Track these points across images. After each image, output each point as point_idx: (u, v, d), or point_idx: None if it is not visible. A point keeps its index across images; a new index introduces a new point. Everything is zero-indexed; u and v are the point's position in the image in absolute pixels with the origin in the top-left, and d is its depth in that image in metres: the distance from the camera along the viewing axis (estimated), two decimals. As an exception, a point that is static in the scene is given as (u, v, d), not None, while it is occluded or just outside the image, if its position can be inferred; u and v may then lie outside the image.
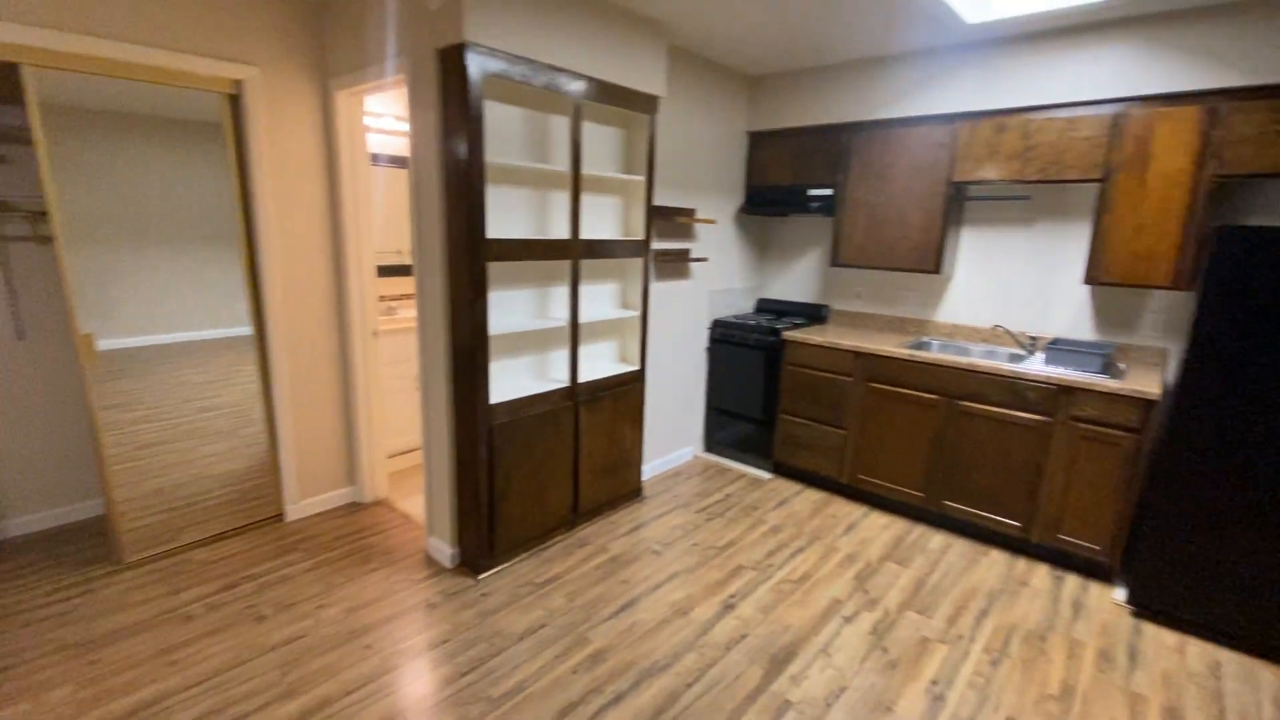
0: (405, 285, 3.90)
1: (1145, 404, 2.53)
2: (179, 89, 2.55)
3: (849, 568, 2.81)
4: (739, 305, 4.21)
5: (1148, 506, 2.45)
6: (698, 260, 3.67)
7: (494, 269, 2.60)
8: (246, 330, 2.94)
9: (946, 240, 3.26)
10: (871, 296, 3.87)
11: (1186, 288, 2.61)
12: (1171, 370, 2.90)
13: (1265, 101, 2.39)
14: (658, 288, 3.49)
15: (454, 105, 2.25)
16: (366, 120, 3.16)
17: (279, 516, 3.10)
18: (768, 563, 2.83)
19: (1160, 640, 2.38)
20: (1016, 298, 3.33)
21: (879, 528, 3.20)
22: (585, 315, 2.94)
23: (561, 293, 2.91)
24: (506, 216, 2.62)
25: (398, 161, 3.70)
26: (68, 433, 2.93)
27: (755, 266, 4.29)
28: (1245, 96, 2.43)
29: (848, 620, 2.44)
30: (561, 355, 2.97)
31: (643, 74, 2.84)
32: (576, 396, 2.88)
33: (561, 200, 2.81)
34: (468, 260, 2.35)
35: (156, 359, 2.95)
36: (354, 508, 3.24)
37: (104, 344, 2.69)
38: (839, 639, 2.32)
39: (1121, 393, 2.57)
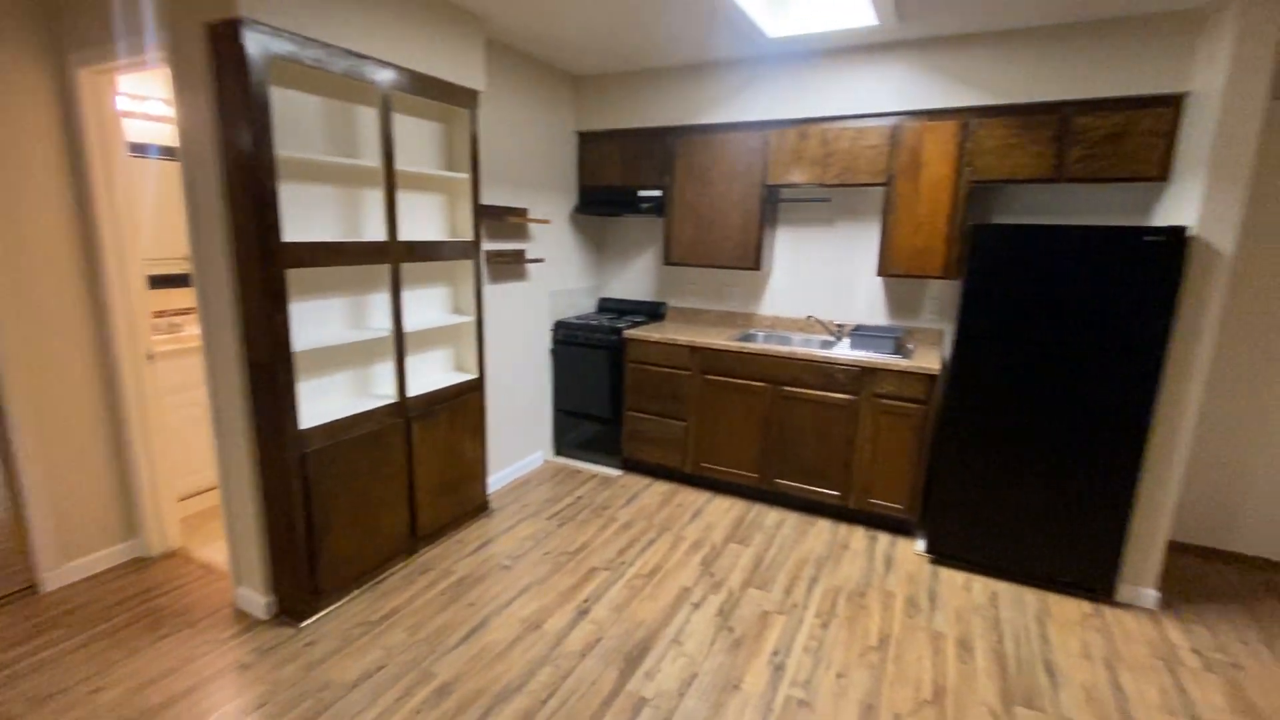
0: (191, 297, 3.36)
1: (929, 378, 2.92)
2: None
3: (695, 554, 2.92)
4: (581, 305, 4.19)
5: (935, 467, 2.83)
6: (534, 261, 3.59)
7: (296, 276, 2.32)
8: (-38, 362, 2.34)
9: (764, 239, 3.51)
10: (703, 293, 4.05)
11: (955, 277, 3.04)
12: (948, 348, 3.37)
13: (1002, 119, 2.86)
14: (493, 290, 3.35)
15: (232, 90, 1.96)
16: (126, 104, 2.66)
17: (32, 588, 2.52)
18: (620, 560, 2.85)
19: (953, 581, 2.77)
20: (825, 290, 3.68)
21: (722, 511, 3.37)
22: (412, 323, 2.74)
23: (382, 300, 2.67)
24: (309, 217, 2.35)
25: (161, 151, 3.16)
26: None
27: (595, 266, 4.31)
28: (988, 114, 2.88)
29: (696, 606, 2.53)
30: (387, 368, 2.73)
31: (459, 66, 2.70)
32: (407, 412, 2.68)
33: (375, 199, 2.58)
34: (261, 267, 2.06)
35: None
36: (138, 564, 2.73)
37: None
38: (689, 626, 2.40)
39: (910, 370, 2.94)
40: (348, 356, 2.60)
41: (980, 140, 2.90)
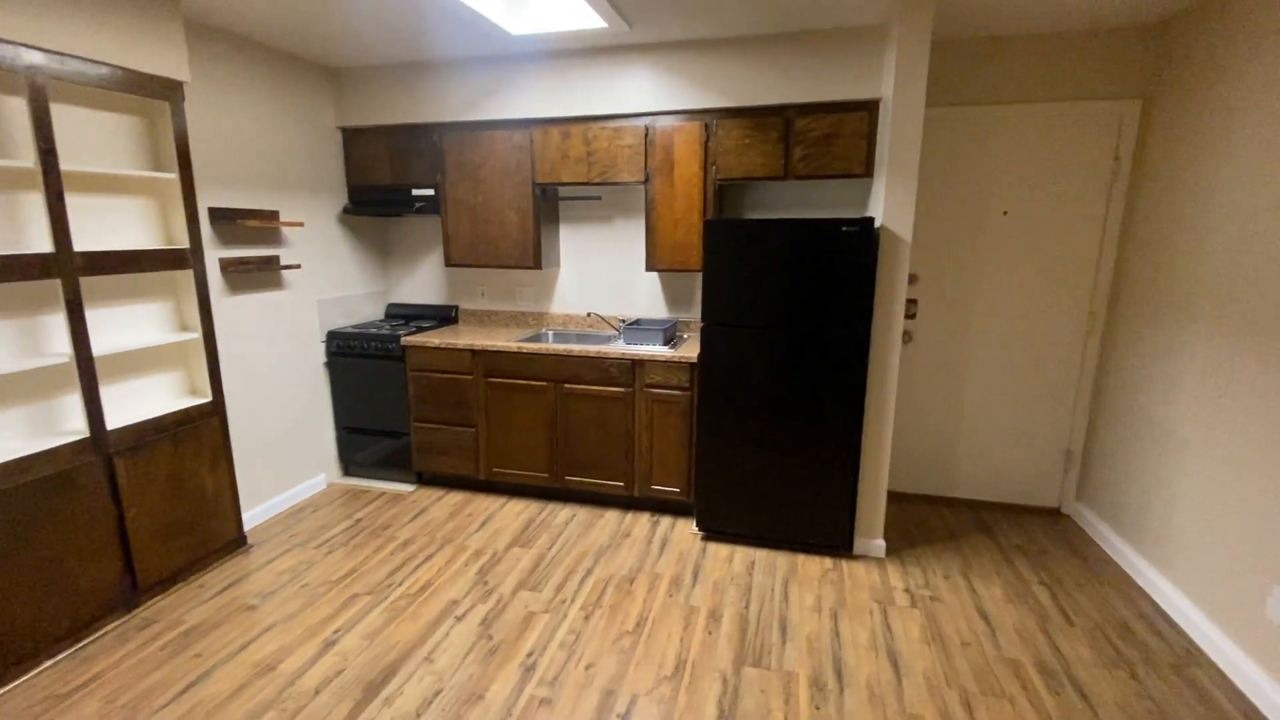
0: None
1: (690, 366, 3.07)
2: None
3: (474, 564, 2.85)
4: (363, 313, 3.94)
5: (699, 448, 2.99)
6: (290, 267, 3.30)
7: (-88, 299, 1.92)
8: None
9: (543, 237, 3.51)
10: (494, 294, 3.98)
11: (711, 269, 3.23)
12: (719, 335, 3.58)
13: (737, 120, 3.06)
14: (235, 301, 3.03)
15: None
16: None
17: None
18: (388, 583, 2.70)
19: (718, 555, 2.94)
20: (607, 286, 3.76)
21: (513, 515, 3.32)
22: (114, 345, 2.38)
23: (60, 321, 2.30)
24: (-71, 228, 1.95)
25: None
26: None
27: (380, 270, 4.06)
28: (726, 115, 3.08)
29: (459, 619, 2.45)
30: (76, 399, 2.36)
31: (147, 53, 2.38)
32: (105, 447, 2.33)
33: (37, 204, 2.21)
34: None
35: None
36: None
37: None
38: (446, 641, 2.32)
39: (672, 359, 3.07)
40: (16, 390, 2.20)
41: (721, 140, 3.10)
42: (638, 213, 3.61)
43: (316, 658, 2.23)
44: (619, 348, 3.19)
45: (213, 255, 2.89)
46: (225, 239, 2.96)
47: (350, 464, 3.79)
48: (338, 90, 3.59)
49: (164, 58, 2.45)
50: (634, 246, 3.66)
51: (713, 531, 3.05)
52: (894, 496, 3.57)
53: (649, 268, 3.30)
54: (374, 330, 3.60)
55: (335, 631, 2.37)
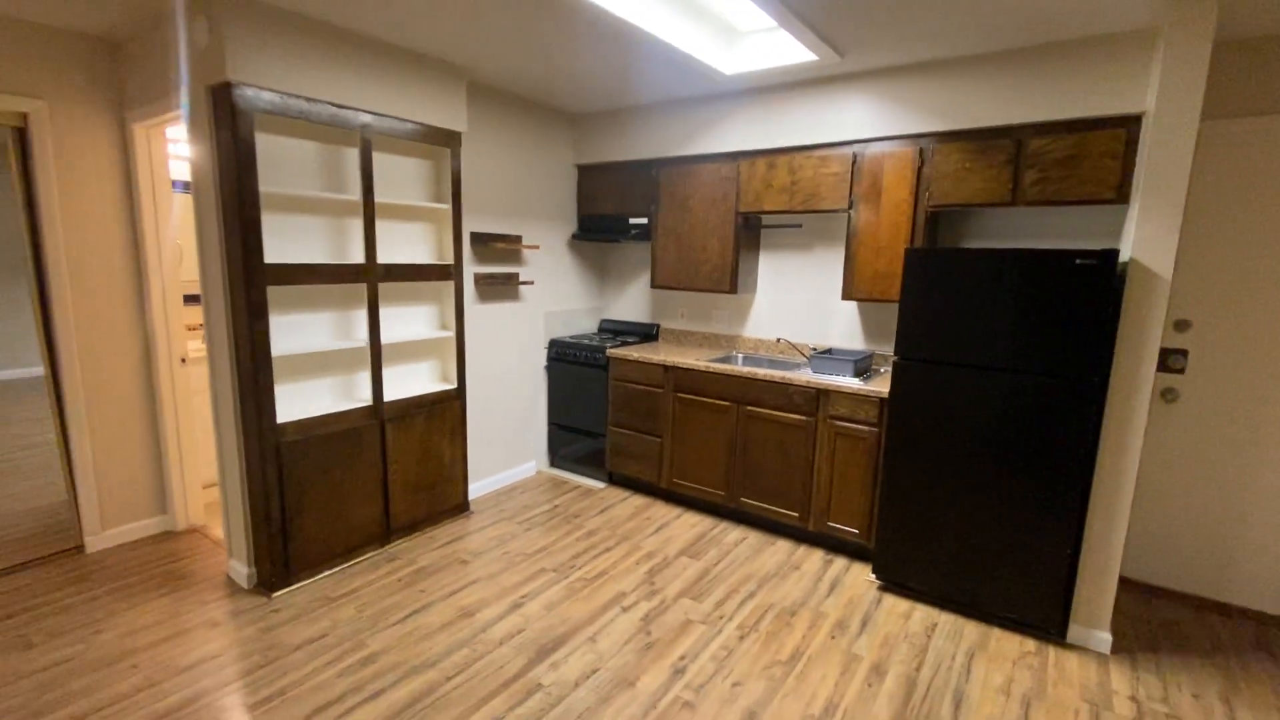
0: (238, 312, 3.91)
1: (880, 401, 2.91)
2: (-51, 119, 2.56)
3: (645, 564, 3.04)
4: (581, 325, 4.45)
5: (884, 491, 2.81)
6: (525, 283, 3.89)
7: (280, 293, 2.71)
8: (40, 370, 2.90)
9: (741, 264, 3.63)
10: (692, 315, 4.20)
11: (915, 301, 3.03)
12: (921, 373, 3.32)
13: (957, 144, 2.86)
14: (482, 309, 3.67)
15: (225, 138, 2.38)
16: (174, 149, 3.21)
17: (79, 548, 3.03)
18: (570, 564, 3.02)
19: (894, 609, 2.72)
20: (801, 313, 3.73)
21: (687, 527, 3.46)
22: (393, 336, 3.08)
23: (364, 315, 3.04)
24: (296, 243, 2.74)
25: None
26: None
27: (597, 289, 4.56)
28: (944, 139, 2.90)
29: (624, 610, 2.65)
30: (366, 375, 3.08)
31: (439, 111, 3.06)
32: (382, 414, 3.01)
33: (359, 227, 2.96)
34: (245, 285, 2.46)
35: None
36: (165, 535, 3.21)
37: None
38: (610, 627, 2.53)
39: (861, 393, 2.95)
40: (333, 364, 2.97)
41: (936, 165, 2.92)
42: (838, 240, 3.54)
43: (505, 615, 2.59)
44: (805, 375, 3.16)
45: (469, 270, 3.55)
46: (480, 258, 3.62)
47: (556, 456, 4.29)
48: (577, 133, 4.15)
49: (449, 114, 3.12)
50: (832, 275, 3.59)
51: (892, 582, 2.84)
52: (1135, 586, 2.94)
53: (846, 296, 3.21)
54: (586, 341, 4.06)
55: (523, 596, 2.73)
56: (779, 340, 3.75)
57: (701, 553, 3.17)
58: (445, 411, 3.32)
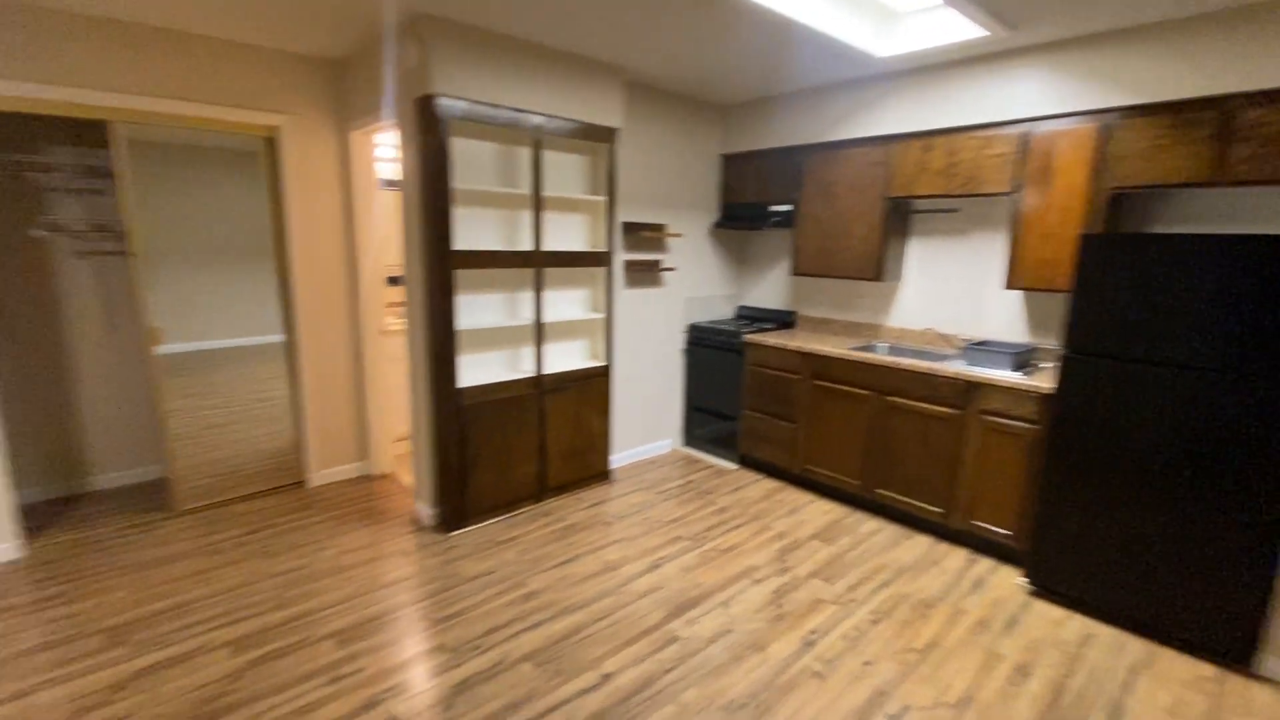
0: (421, 293, 4.50)
1: (1042, 398, 2.75)
2: (230, 133, 3.23)
3: (775, 543, 3.13)
4: (719, 311, 4.58)
5: (1044, 492, 2.66)
6: (668, 270, 4.09)
7: (463, 275, 3.12)
8: (281, 338, 3.58)
9: (888, 251, 3.55)
10: (832, 303, 4.16)
11: (1086, 291, 2.81)
12: (1091, 370, 3.07)
13: (1148, 118, 2.61)
14: (629, 294, 3.92)
15: (427, 142, 2.79)
16: (383, 152, 3.78)
17: (302, 483, 3.72)
18: (703, 535, 3.19)
19: (1046, 614, 2.59)
20: (953, 303, 3.56)
21: (819, 513, 3.49)
22: (552, 316, 3.42)
23: (530, 296, 3.39)
24: (477, 232, 3.13)
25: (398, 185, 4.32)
26: (144, 408, 3.66)
27: (735, 276, 4.66)
28: (1132, 114, 2.65)
29: (756, 583, 2.77)
30: (530, 350, 3.45)
31: (599, 109, 3.32)
32: (542, 386, 3.36)
33: (528, 218, 3.31)
34: (438, 268, 2.88)
35: (226, 360, 3.61)
36: (364, 479, 3.83)
37: (180, 346, 3.36)
38: (741, 595, 2.66)
39: (1019, 387, 2.80)
40: (502, 339, 3.36)
41: (1122, 143, 2.67)
42: (997, 226, 3.34)
43: (644, 573, 2.82)
44: (955, 367, 3.05)
45: (620, 258, 3.81)
46: (629, 245, 3.87)
47: (690, 436, 4.47)
48: (724, 123, 4.26)
49: (608, 111, 3.36)
50: (989, 262, 3.40)
51: (1044, 588, 2.69)
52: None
53: (1009, 285, 3.04)
54: (723, 326, 4.19)
55: (660, 558, 2.95)
56: (926, 330, 3.63)
57: (834, 538, 3.19)
58: (595, 386, 3.61)
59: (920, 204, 3.65)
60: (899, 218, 3.60)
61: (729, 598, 2.65)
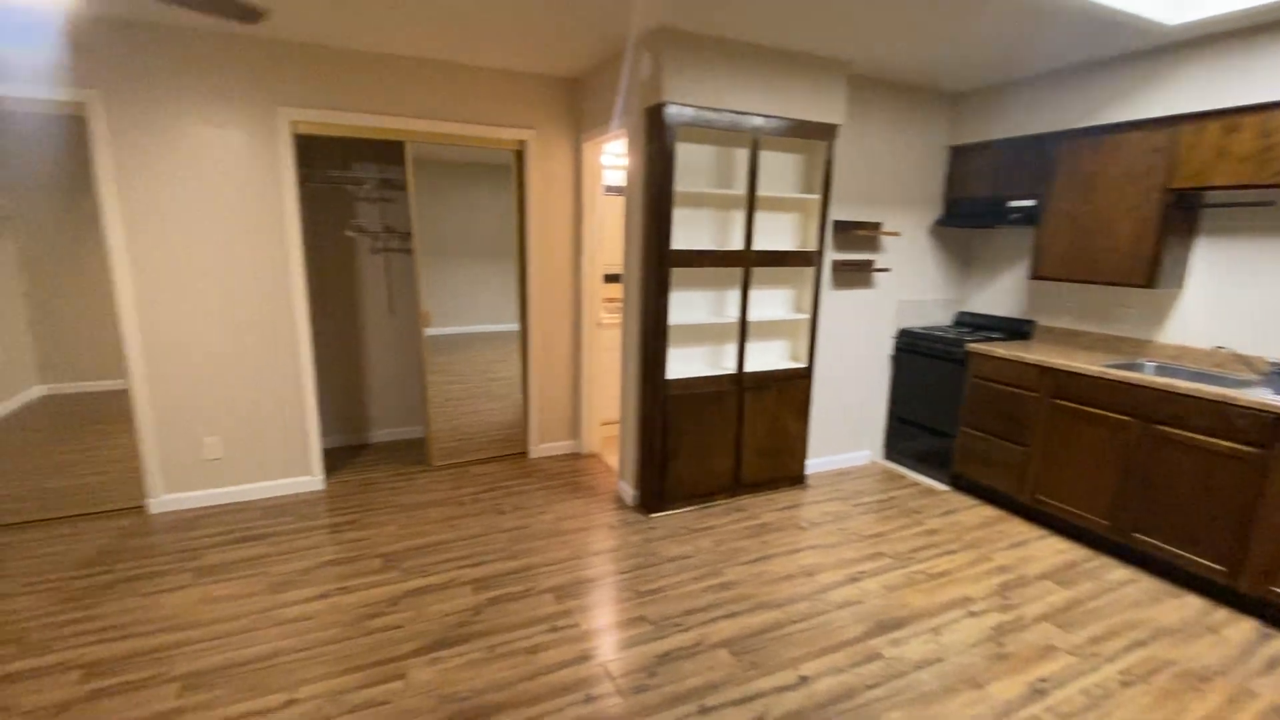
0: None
1: (1399, 443, 2.12)
2: (489, 149, 3.76)
3: (995, 577, 2.82)
4: (934, 317, 4.23)
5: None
6: (880, 270, 3.88)
7: (676, 274, 3.27)
8: (515, 326, 4.09)
9: (1164, 252, 2.99)
10: (1082, 312, 3.61)
11: None
12: None
13: None
14: (835, 295, 3.80)
15: (653, 148, 2.99)
16: (608, 160, 4.11)
17: (524, 453, 4.21)
18: (909, 556, 2.99)
19: (1389, 723, 2.00)
20: (1261, 317, 2.88)
21: (1052, 551, 3.06)
22: (755, 315, 3.45)
23: (735, 295, 3.46)
24: (691, 232, 3.27)
25: (619, 190, 4.63)
26: (410, 379, 4.42)
27: (957, 279, 4.26)
28: None
29: (972, 615, 2.53)
30: (732, 348, 3.51)
31: (819, 107, 3.26)
32: (742, 383, 3.40)
33: (739, 218, 3.37)
34: (655, 266, 3.07)
35: (467, 343, 4.24)
36: (574, 456, 4.21)
37: (435, 330, 4.02)
38: (954, 625, 2.45)
39: (1361, 426, 2.19)
40: (707, 335, 3.47)
41: None
42: (1343, 222, 2.63)
43: (842, 583, 2.73)
44: (1261, 395, 2.47)
45: (828, 257, 3.71)
46: (839, 245, 3.75)
47: (893, 449, 4.20)
48: (954, 112, 3.91)
49: (827, 108, 3.29)
50: (1324, 268, 2.69)
51: (1386, 687, 2.08)
52: None
53: (1345, 297, 2.40)
54: (941, 334, 3.86)
55: (859, 572, 2.82)
56: (1217, 349, 2.99)
57: (1071, 581, 2.79)
58: (794, 388, 3.57)
59: (1215, 196, 3.01)
60: (1182, 213, 3.01)
61: (939, 625, 2.45)
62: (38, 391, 3.22)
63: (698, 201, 3.27)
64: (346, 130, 3.37)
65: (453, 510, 3.36)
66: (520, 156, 3.83)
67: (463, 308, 4.13)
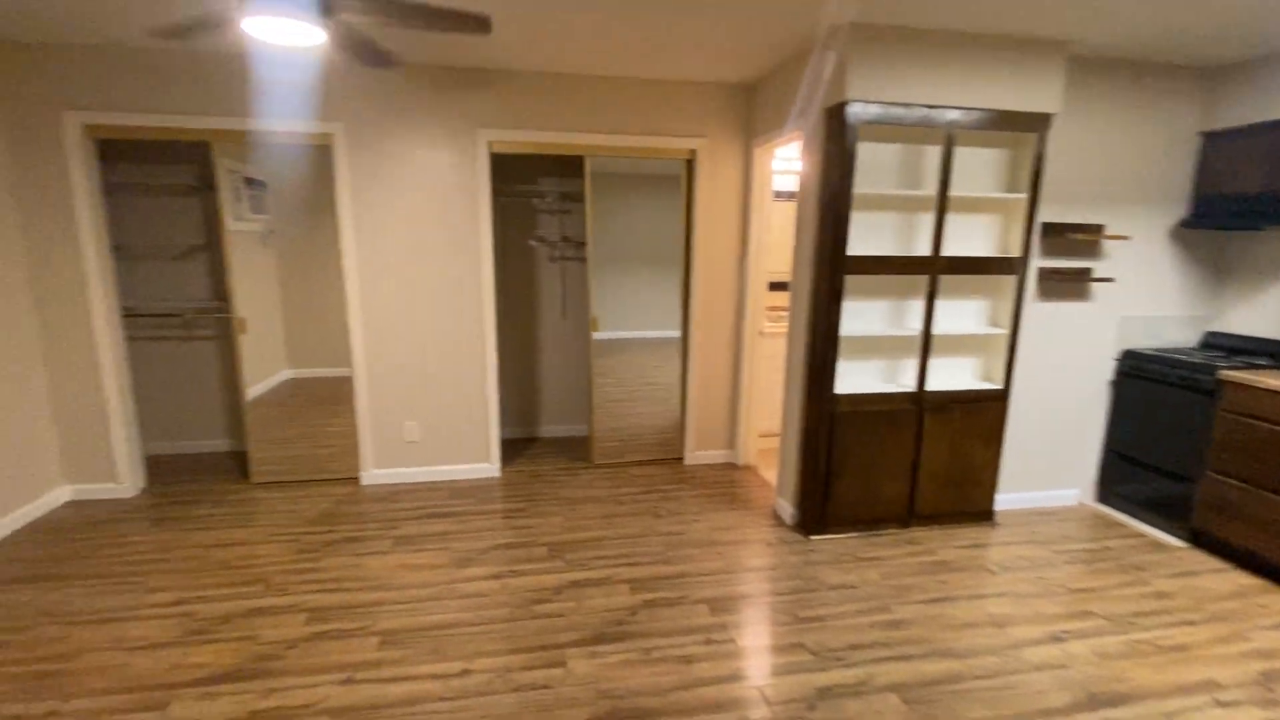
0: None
1: None
2: (661, 159, 3.84)
3: (1255, 662, 2.26)
4: (1170, 336, 3.53)
5: None
6: (1101, 280, 3.32)
7: (851, 281, 3.07)
8: (677, 333, 4.13)
9: None
10: (1402, 337, 2.78)
11: None
12: None
13: None
14: (1041, 308, 3.32)
15: (833, 149, 2.84)
16: (778, 165, 4.00)
17: (680, 459, 4.22)
18: (1130, 620, 2.50)
19: None
20: None
21: (1345, 641, 2.39)
22: (942, 328, 3.12)
23: (918, 305, 3.16)
24: (870, 236, 3.06)
25: (789, 196, 4.46)
26: (577, 379, 4.66)
27: (1204, 292, 3.52)
28: None
29: (1222, 705, 2.04)
30: (912, 363, 3.21)
31: (1030, 94, 2.87)
32: (922, 403, 3.10)
33: (927, 221, 3.08)
34: (828, 273, 2.90)
35: (627, 348, 4.37)
36: (729, 467, 4.14)
37: (600, 335, 4.20)
38: (1198, 715, 2.00)
39: None
40: (881, 348, 3.22)
41: None
42: None
43: (1040, 641, 2.35)
44: None
45: (1034, 264, 3.26)
46: (1048, 250, 3.28)
47: (1109, 490, 3.57)
48: (1209, 91, 3.24)
49: (1040, 95, 2.89)
50: None
51: None
52: None
53: None
54: (1183, 357, 3.20)
55: (1064, 631, 2.42)
56: None
57: (1378, 685, 2.14)
58: (983, 411, 3.18)
59: None
60: None
61: (1175, 712, 2.01)
62: (286, 374, 3.86)
63: (878, 204, 3.04)
64: (534, 147, 3.63)
65: (612, 508, 3.46)
66: (690, 165, 3.86)
67: (626, 314, 4.25)
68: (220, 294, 4.08)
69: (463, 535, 3.14)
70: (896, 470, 3.16)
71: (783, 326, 4.33)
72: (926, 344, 3.05)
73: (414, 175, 3.52)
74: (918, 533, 3.22)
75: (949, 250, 3.11)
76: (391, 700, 2.01)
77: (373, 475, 3.80)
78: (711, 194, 3.86)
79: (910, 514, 3.23)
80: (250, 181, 3.55)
